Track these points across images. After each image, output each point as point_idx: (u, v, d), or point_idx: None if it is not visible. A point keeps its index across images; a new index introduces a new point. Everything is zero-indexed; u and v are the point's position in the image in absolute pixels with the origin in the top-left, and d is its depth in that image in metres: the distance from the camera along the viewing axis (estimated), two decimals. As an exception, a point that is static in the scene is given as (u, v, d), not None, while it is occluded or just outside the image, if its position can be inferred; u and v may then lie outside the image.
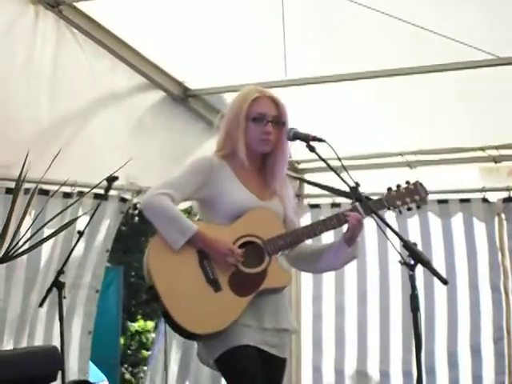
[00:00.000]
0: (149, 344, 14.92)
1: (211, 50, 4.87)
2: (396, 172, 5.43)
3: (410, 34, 4.28)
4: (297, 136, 3.17)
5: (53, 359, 3.81)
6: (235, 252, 3.16)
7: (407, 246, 2.77)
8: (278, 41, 4.67)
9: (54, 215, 4.13)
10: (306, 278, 5.81)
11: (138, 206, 4.91)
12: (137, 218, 14.07)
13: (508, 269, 5.25)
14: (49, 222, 4.07)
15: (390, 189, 3.29)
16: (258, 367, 3.14)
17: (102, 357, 8.20)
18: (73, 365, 5.11)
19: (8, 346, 4.72)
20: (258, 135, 3.26)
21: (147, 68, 5.08)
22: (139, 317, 15.69)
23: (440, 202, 5.37)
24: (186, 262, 3.17)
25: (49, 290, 4.20)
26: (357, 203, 3.17)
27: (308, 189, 5.88)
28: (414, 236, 5.31)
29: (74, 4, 4.56)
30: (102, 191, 4.49)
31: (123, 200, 5.23)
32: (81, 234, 4.31)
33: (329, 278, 5.69)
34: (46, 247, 4.78)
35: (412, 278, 2.78)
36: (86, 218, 4.53)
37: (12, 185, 3.93)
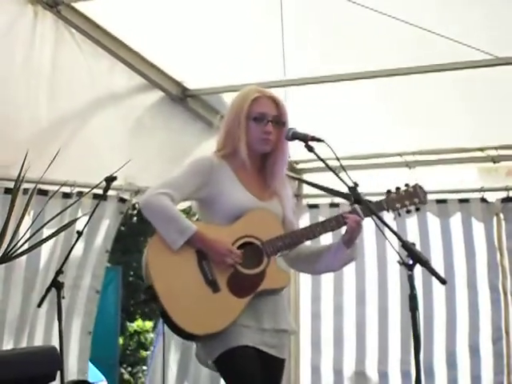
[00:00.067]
0: (147, 344, 14.93)
1: (210, 50, 4.87)
2: (395, 172, 5.44)
3: (409, 34, 4.28)
4: (295, 136, 3.17)
5: (52, 359, 3.81)
6: (234, 252, 3.16)
7: (406, 245, 2.76)
8: (276, 41, 4.67)
9: (54, 216, 4.13)
10: (305, 279, 5.81)
11: (138, 205, 4.91)
12: (135, 218, 14.08)
13: (506, 269, 5.25)
14: (48, 222, 4.07)
15: (389, 191, 3.28)
16: (256, 368, 3.14)
17: (100, 357, 8.21)
18: (72, 365, 5.11)
19: (8, 346, 4.72)
20: (258, 135, 3.25)
21: (146, 68, 5.08)
22: (138, 317, 15.69)
23: (439, 201, 5.38)
24: (185, 262, 3.16)
25: (47, 290, 4.20)
26: (356, 205, 3.17)
27: (307, 189, 5.89)
28: (413, 236, 5.31)
29: (73, 4, 4.56)
30: (101, 191, 4.49)
31: (122, 200, 5.23)
32: (80, 234, 4.30)
33: (327, 278, 5.70)
34: (46, 248, 4.78)
35: (410, 278, 2.77)
36: (86, 219, 4.53)
37: (11, 185, 3.93)
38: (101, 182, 4.21)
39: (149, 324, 15.15)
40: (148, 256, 3.19)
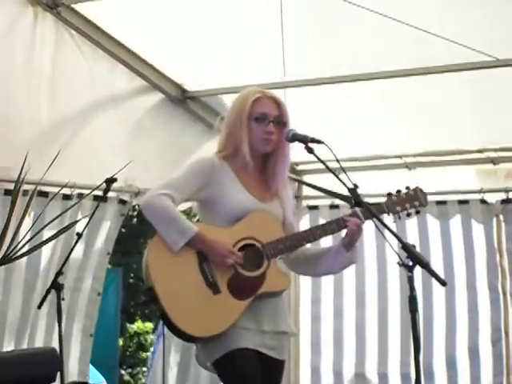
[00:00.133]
0: (147, 345, 14.94)
1: (209, 52, 4.87)
2: (394, 174, 5.44)
3: (409, 36, 4.28)
4: (295, 137, 3.16)
5: (52, 360, 3.82)
6: (235, 253, 3.16)
7: (405, 247, 2.76)
8: (276, 42, 4.67)
9: (54, 217, 4.13)
10: (305, 281, 5.81)
11: (138, 206, 4.91)
12: (135, 220, 14.10)
13: (506, 270, 5.25)
14: (48, 224, 4.07)
15: (390, 194, 3.28)
16: (256, 370, 3.13)
17: (100, 358, 8.19)
18: (73, 367, 5.11)
19: (9, 347, 4.72)
20: (260, 135, 3.24)
21: (146, 70, 5.08)
22: (138, 318, 15.70)
23: (438, 203, 5.38)
24: (186, 264, 3.16)
25: (47, 292, 4.20)
26: (356, 208, 3.17)
27: (306, 190, 5.89)
28: (413, 237, 5.31)
29: (72, 6, 4.56)
30: (101, 193, 4.48)
31: (122, 202, 5.23)
32: (79, 235, 4.30)
33: (327, 280, 5.69)
34: (46, 249, 4.78)
35: (410, 280, 2.77)
36: (86, 221, 4.53)
37: (11, 186, 3.93)
38: (101, 184, 4.22)
39: (149, 325, 15.15)
40: (148, 257, 3.18)
